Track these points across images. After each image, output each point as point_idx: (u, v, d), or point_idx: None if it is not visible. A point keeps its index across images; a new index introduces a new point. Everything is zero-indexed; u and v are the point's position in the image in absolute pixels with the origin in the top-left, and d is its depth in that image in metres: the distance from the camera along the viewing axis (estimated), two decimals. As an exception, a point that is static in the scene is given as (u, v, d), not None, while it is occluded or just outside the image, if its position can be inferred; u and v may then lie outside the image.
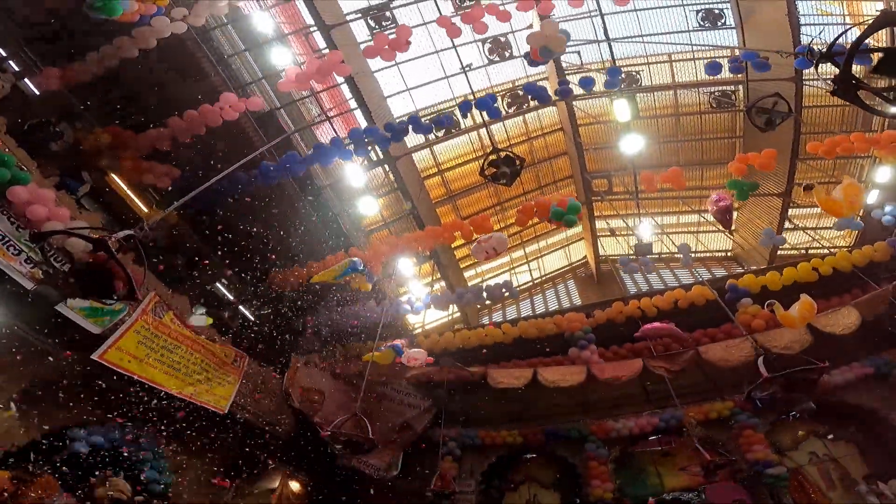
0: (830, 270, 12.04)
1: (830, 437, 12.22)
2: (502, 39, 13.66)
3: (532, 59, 10.18)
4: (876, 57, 2.62)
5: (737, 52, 12.76)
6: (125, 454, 8.68)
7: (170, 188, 9.41)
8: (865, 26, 2.69)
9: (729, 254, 19.37)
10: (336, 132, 12.97)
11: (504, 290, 13.13)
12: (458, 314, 19.32)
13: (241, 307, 12.94)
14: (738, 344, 11.46)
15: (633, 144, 12.59)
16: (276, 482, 12.45)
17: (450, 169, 16.44)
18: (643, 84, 14.36)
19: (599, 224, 19.08)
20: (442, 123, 12.09)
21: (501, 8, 10.16)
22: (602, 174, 16.83)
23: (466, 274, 18.85)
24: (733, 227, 17.57)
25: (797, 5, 11.96)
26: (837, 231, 13.28)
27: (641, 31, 13.91)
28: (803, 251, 15.56)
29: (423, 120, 11.00)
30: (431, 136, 14.61)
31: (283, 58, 10.29)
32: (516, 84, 15.01)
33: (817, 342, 11.01)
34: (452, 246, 17.28)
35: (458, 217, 17.20)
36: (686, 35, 13.70)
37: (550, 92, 12.23)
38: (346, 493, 13.47)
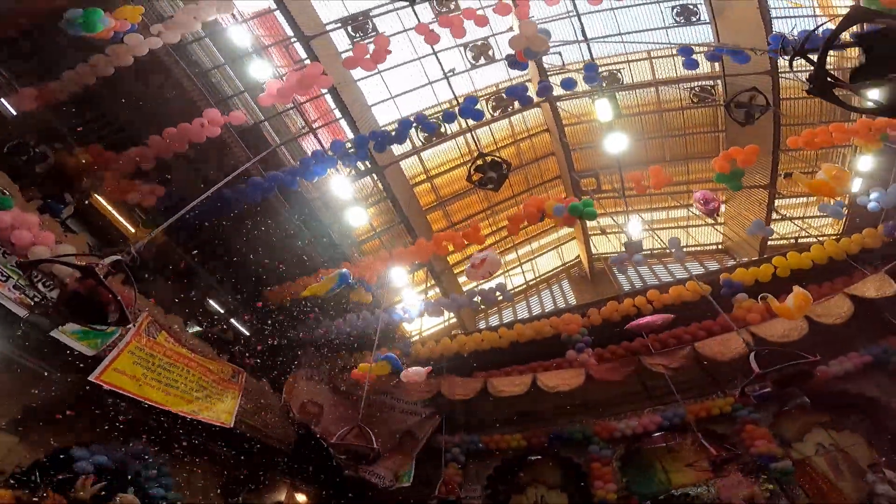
0: (823, 259, 12.09)
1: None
2: (484, 43, 13.72)
3: (516, 61, 10.28)
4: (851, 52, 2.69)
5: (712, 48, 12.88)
6: (131, 472, 8.65)
7: (156, 207, 9.37)
8: (838, 20, 2.72)
9: (720, 246, 19.40)
10: (321, 143, 12.98)
11: (498, 294, 13.16)
12: (455, 319, 19.32)
13: (235, 323, 12.92)
14: (733, 338, 11.48)
15: (616, 143, 12.66)
16: (282, 495, 12.51)
17: (438, 175, 16.44)
18: (624, 82, 14.45)
19: (590, 223, 19.05)
20: (429, 129, 12.11)
21: (479, 13, 10.24)
22: (590, 173, 16.90)
23: (461, 279, 18.86)
24: (721, 221, 17.82)
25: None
26: (827, 219, 13.37)
27: (619, 30, 14.00)
28: (793, 240, 15.65)
29: (390, 129, 11.03)
30: (418, 143, 14.72)
31: (264, 70, 10.27)
32: (500, 87, 15.07)
33: (814, 331, 11.08)
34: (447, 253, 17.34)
35: (448, 223, 17.24)
36: (663, 32, 13.82)
37: (533, 93, 12.30)
38: (352, 502, 13.46)
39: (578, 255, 21.36)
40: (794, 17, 12.45)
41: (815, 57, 2.80)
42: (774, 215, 15.71)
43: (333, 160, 10.30)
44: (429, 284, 16.94)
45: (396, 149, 13.72)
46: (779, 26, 12.13)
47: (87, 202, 9.24)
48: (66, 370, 7.51)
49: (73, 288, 4.24)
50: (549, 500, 13.58)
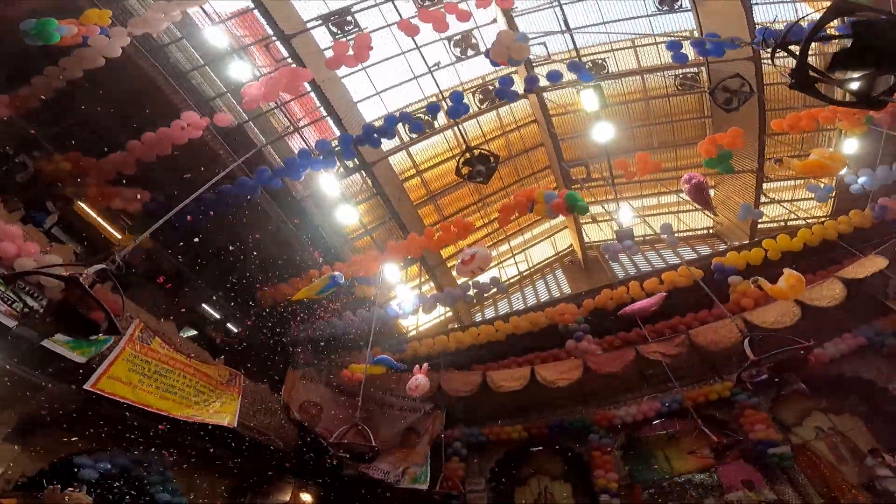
0: (814, 241, 12.18)
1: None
2: (469, 36, 13.64)
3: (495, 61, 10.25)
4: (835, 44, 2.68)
5: (696, 35, 12.88)
6: (136, 478, 8.79)
7: (142, 212, 9.29)
8: (821, 11, 2.71)
9: (711, 231, 19.54)
10: (306, 142, 12.92)
11: (492, 286, 13.18)
12: (451, 313, 19.36)
13: (230, 326, 12.89)
14: (727, 325, 11.55)
15: (604, 132, 12.70)
16: (287, 495, 12.59)
17: (428, 169, 16.41)
18: (610, 71, 14.44)
19: (582, 211, 19.15)
20: (416, 129, 12.07)
21: (462, 6, 10.18)
22: (579, 162, 16.95)
23: (455, 272, 18.89)
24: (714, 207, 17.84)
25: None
26: (816, 202, 13.44)
27: (603, 19, 13.96)
28: (782, 223, 15.74)
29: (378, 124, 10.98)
30: (406, 138, 14.67)
31: (245, 70, 10.18)
32: (486, 79, 15.03)
33: (806, 316, 11.12)
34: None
35: (440, 216, 17.23)
36: (646, 20, 13.81)
37: (520, 84, 12.26)
38: (357, 500, 13.51)
39: (571, 244, 21.41)
40: (775, 2, 12.46)
41: (797, 49, 2.80)
42: (763, 199, 15.80)
43: (319, 161, 10.21)
44: (423, 279, 16.97)
45: (384, 144, 13.66)
46: (759, 13, 12.16)
47: (71, 209, 9.15)
48: (65, 379, 7.49)
49: (59, 299, 4.21)
50: (553, 490, 13.64)
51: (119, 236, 9.82)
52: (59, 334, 6.58)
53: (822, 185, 12.71)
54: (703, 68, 14.22)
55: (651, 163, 12.07)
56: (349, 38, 11.48)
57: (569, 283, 20.48)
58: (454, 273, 18.31)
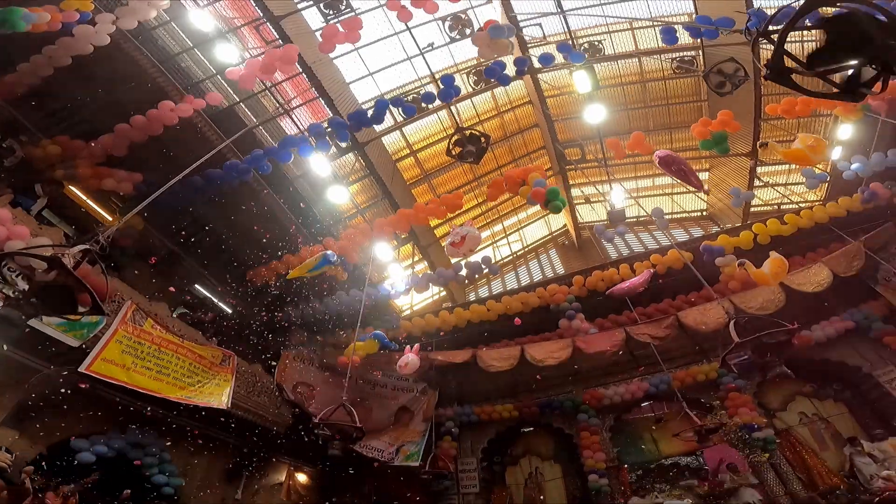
0: (805, 225, 12.20)
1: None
2: (462, 16, 13.46)
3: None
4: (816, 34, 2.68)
5: (693, 17, 12.70)
6: (132, 461, 8.80)
7: (132, 194, 9.23)
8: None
9: (704, 213, 19.60)
10: (297, 123, 12.82)
11: (484, 266, 13.22)
12: (445, 292, 19.43)
13: (223, 306, 12.91)
14: (713, 307, 11.65)
15: (596, 114, 12.65)
16: (282, 475, 12.67)
17: (422, 149, 16.36)
18: (606, 53, 14.31)
19: (575, 192, 19.22)
20: (408, 112, 11.97)
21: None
22: (574, 143, 16.91)
23: (447, 253, 18.92)
24: (705, 187, 17.86)
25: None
26: (809, 188, 13.46)
27: (600, 1, 13.76)
28: (775, 206, 15.78)
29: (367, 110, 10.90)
30: (399, 119, 14.57)
31: (235, 53, 10.04)
32: (480, 60, 14.88)
33: (793, 300, 11.22)
34: (431, 224, 17.33)
35: (434, 196, 17.18)
36: (644, 2, 13.61)
37: (513, 67, 12.15)
38: (351, 479, 13.67)
39: (565, 224, 21.46)
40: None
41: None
42: (757, 182, 15.81)
43: (311, 146, 10.17)
44: (416, 259, 16.99)
45: (377, 125, 13.61)
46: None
47: (61, 193, 9.08)
48: (60, 363, 7.53)
49: (42, 280, 4.21)
50: (544, 471, 13.88)
51: (110, 218, 9.78)
52: (53, 316, 6.62)
53: (816, 171, 12.72)
54: (699, 52, 14.10)
55: (644, 144, 12.05)
56: (341, 19, 11.30)
57: (562, 263, 20.59)
58: (447, 252, 18.38)
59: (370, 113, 10.63)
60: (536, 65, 13.66)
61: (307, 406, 12.18)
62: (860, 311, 12.11)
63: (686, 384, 12.59)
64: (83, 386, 7.69)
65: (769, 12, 9.19)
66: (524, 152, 18.39)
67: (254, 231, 11.58)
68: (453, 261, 16.68)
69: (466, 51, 14.67)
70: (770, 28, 2.96)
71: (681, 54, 14.18)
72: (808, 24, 3.02)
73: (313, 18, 12.22)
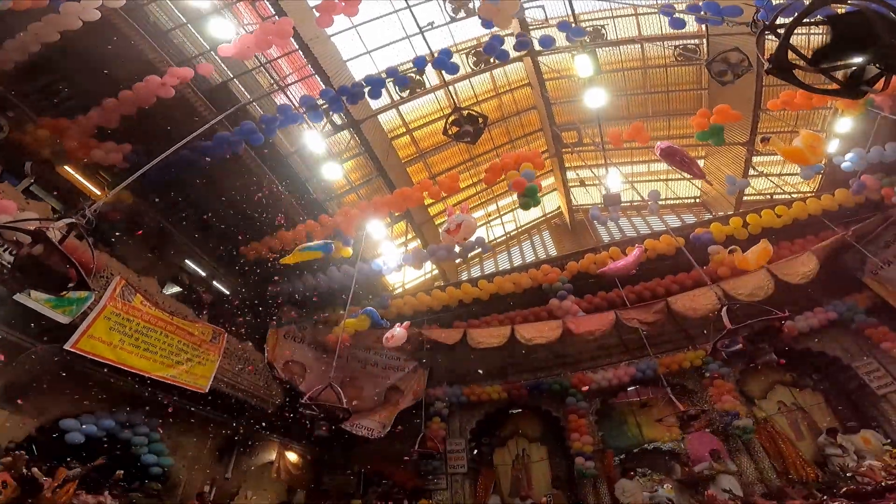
0: (798, 216, 12.24)
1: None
2: (464, -5, 13.21)
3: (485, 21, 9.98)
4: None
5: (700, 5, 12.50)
6: (122, 440, 8.76)
7: (122, 168, 9.08)
8: None
9: (698, 200, 19.72)
10: (291, 101, 12.61)
11: (477, 245, 13.17)
12: (437, 271, 19.43)
13: (214, 283, 12.84)
14: (704, 293, 11.72)
15: (596, 98, 12.58)
16: (273, 454, 12.69)
17: (419, 128, 16.23)
18: (609, 38, 14.13)
19: (571, 175, 19.21)
20: (401, 83, 11.77)
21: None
22: (571, 126, 16.78)
23: (441, 238, 18.86)
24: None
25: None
26: (803, 179, 13.46)
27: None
28: (768, 196, 15.81)
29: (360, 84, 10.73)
30: (396, 97, 14.40)
31: (228, 28, 9.78)
32: (481, 41, 14.65)
33: (783, 288, 11.28)
34: (426, 202, 17.26)
35: (429, 175, 17.10)
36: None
37: (511, 49, 11.98)
38: (341, 459, 13.76)
39: (559, 206, 21.47)
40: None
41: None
42: (752, 171, 15.83)
43: (303, 117, 10.03)
44: (409, 237, 16.97)
45: (374, 103, 13.44)
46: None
47: (52, 172, 8.92)
48: (48, 340, 7.48)
49: (26, 254, 4.14)
50: (531, 452, 14.06)
51: (99, 193, 9.65)
52: (41, 293, 6.55)
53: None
54: (704, 40, 13.95)
55: (644, 133, 12.00)
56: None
57: (555, 245, 20.69)
58: (442, 239, 18.34)
59: (355, 87, 10.48)
60: (537, 47, 13.45)
61: (298, 384, 12.21)
62: (844, 303, 12.33)
63: (672, 370, 12.79)
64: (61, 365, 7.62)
65: (775, 3, 9.05)
66: (521, 134, 18.28)
67: (246, 207, 11.47)
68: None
69: (467, 31, 14.50)
70: (777, 22, 2.89)
71: (684, 42, 14.03)
72: (817, 20, 2.96)
73: (311, -6, 11.95)
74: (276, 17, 10.95)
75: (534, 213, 21.92)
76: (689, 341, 13.32)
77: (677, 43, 14.01)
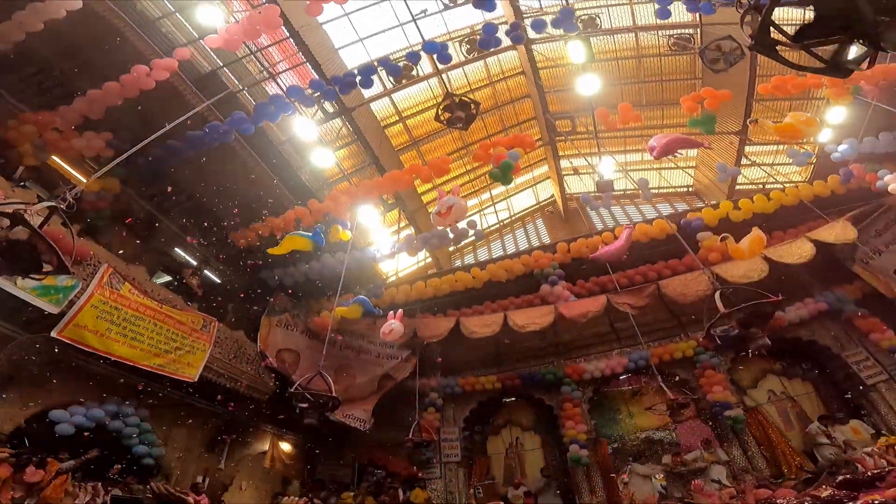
0: (788, 202, 12.24)
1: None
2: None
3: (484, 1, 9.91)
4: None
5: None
6: (112, 431, 8.64)
7: (109, 155, 8.95)
8: None
9: (690, 189, 19.77)
10: (282, 89, 12.49)
11: (470, 231, 13.14)
12: (430, 259, 19.41)
13: (205, 271, 12.75)
14: (695, 277, 11.72)
15: (589, 85, 12.51)
16: (266, 444, 12.65)
17: (412, 116, 16.15)
18: (602, 27, 14.03)
19: (564, 164, 19.21)
20: (393, 72, 11.70)
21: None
22: (565, 115, 16.75)
23: (433, 221, 18.78)
24: (693, 164, 17.94)
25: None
26: (795, 166, 13.49)
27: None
28: (760, 185, 15.85)
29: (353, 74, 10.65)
30: (389, 85, 14.30)
31: (218, 16, 9.59)
32: (475, 29, 14.57)
33: (773, 274, 11.30)
34: (419, 191, 17.21)
35: (422, 162, 17.01)
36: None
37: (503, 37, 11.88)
38: (335, 448, 13.74)
39: (553, 195, 21.47)
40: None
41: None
42: (745, 160, 15.89)
43: (291, 105, 9.94)
44: (402, 225, 16.92)
45: (366, 91, 13.32)
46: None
47: (42, 169, 8.78)
48: (35, 330, 7.41)
49: (4, 237, 4.08)
50: (524, 441, 14.10)
51: (85, 180, 9.53)
52: (28, 281, 6.48)
53: (801, 151, 12.78)
54: (698, 30, 13.90)
55: (633, 113, 11.96)
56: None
57: (548, 233, 20.72)
58: (433, 222, 18.27)
59: (348, 77, 10.40)
60: (531, 35, 13.36)
61: (290, 374, 12.13)
62: (834, 293, 12.38)
63: (664, 360, 12.80)
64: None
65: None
66: (515, 122, 18.22)
67: (237, 195, 11.37)
68: (440, 228, 16.63)
69: (460, 19, 14.38)
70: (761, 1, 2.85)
71: (678, 31, 13.96)
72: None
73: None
74: (266, 3, 10.82)
75: (527, 201, 22.04)
76: (682, 329, 13.39)
77: (671, 32, 13.97)
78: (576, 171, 19.27)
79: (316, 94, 10.54)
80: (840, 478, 8.89)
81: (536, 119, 18.03)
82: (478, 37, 13.48)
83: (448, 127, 12.35)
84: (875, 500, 7.00)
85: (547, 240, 19.75)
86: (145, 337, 8.56)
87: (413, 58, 11.41)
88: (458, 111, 11.51)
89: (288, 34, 11.51)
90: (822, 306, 12.30)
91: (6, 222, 4.14)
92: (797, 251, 11.54)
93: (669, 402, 10.07)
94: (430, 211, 17.65)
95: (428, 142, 17.05)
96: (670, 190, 20.06)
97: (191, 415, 10.43)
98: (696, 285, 11.68)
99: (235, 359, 10.94)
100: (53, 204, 4.52)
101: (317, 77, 12.22)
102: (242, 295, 12.86)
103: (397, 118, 15.92)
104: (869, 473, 7.14)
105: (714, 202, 14.34)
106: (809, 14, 2.46)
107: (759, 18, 2.63)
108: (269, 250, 10.01)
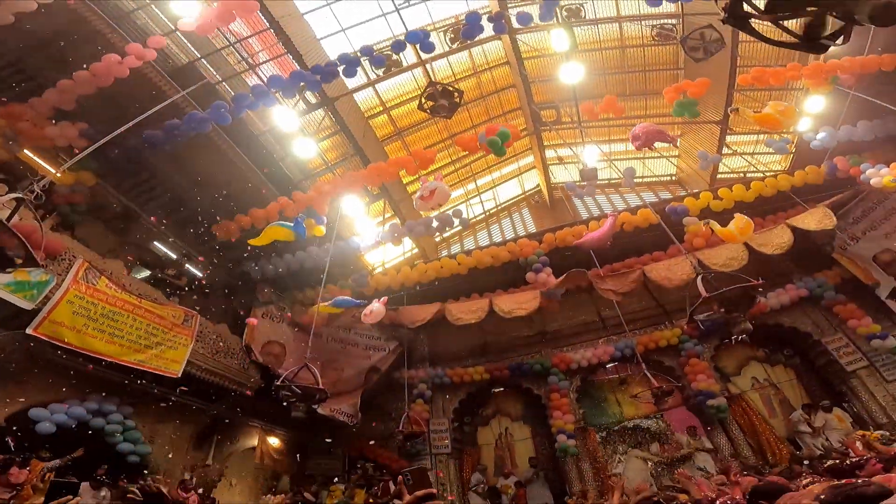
0: (767, 192, 12.41)
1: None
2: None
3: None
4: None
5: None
6: (95, 428, 8.52)
7: (83, 146, 8.75)
8: None
9: (673, 178, 19.93)
10: (262, 80, 12.30)
11: (455, 219, 13.07)
12: (417, 250, 19.35)
13: (186, 265, 12.57)
14: (679, 262, 11.76)
15: (573, 73, 12.48)
16: (254, 440, 12.55)
17: (396, 106, 16.03)
18: (587, 17, 13.97)
19: (550, 153, 19.25)
20: (379, 61, 11.55)
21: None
22: (550, 105, 16.75)
23: (415, 206, 18.69)
24: (676, 153, 18.03)
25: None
26: (775, 156, 13.63)
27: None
28: (741, 174, 15.97)
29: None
30: (372, 76, 14.15)
31: (194, 7, 9.35)
32: (460, 19, 14.43)
33: (754, 261, 11.42)
34: (404, 182, 17.11)
35: (407, 153, 16.91)
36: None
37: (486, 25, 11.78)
38: (324, 442, 13.68)
39: (538, 185, 21.54)
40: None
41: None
42: (726, 150, 16.03)
43: (272, 95, 9.81)
44: (387, 215, 16.84)
45: (349, 81, 13.22)
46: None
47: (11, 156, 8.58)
48: (11, 327, 7.26)
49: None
50: (513, 431, 14.14)
51: (59, 175, 9.32)
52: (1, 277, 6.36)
53: (778, 139, 12.96)
54: (680, 20, 13.90)
55: (617, 105, 11.96)
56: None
57: (534, 222, 20.78)
58: (415, 206, 18.17)
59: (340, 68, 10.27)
60: (515, 25, 13.26)
61: (277, 367, 12.00)
62: (814, 279, 12.57)
63: (649, 348, 12.94)
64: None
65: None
66: (500, 112, 18.15)
67: (217, 187, 11.20)
68: (424, 215, 16.57)
69: (444, 9, 14.22)
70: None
71: (661, 22, 13.96)
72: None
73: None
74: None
75: (513, 191, 22.06)
76: (667, 317, 13.50)
77: (654, 23, 13.96)
78: (561, 161, 19.28)
79: (299, 84, 10.36)
80: (828, 463, 8.97)
81: (521, 109, 17.99)
82: (462, 26, 13.42)
83: (431, 115, 12.22)
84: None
85: (533, 229, 19.77)
86: (124, 332, 8.42)
87: (397, 46, 11.25)
88: (441, 99, 11.39)
89: (268, 24, 11.33)
90: (803, 292, 12.47)
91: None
92: (776, 240, 11.64)
93: (654, 390, 10.09)
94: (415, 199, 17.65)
95: (412, 133, 16.95)
96: (653, 179, 20.18)
97: (176, 411, 10.27)
98: (680, 270, 11.69)
99: (219, 353, 10.79)
100: (20, 195, 4.42)
101: (298, 69, 12.05)
102: (225, 289, 12.69)
103: (381, 109, 15.79)
104: (848, 462, 7.20)
105: (696, 191, 14.43)
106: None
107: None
108: (251, 241, 9.78)
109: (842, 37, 2.47)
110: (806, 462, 9.39)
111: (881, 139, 11.38)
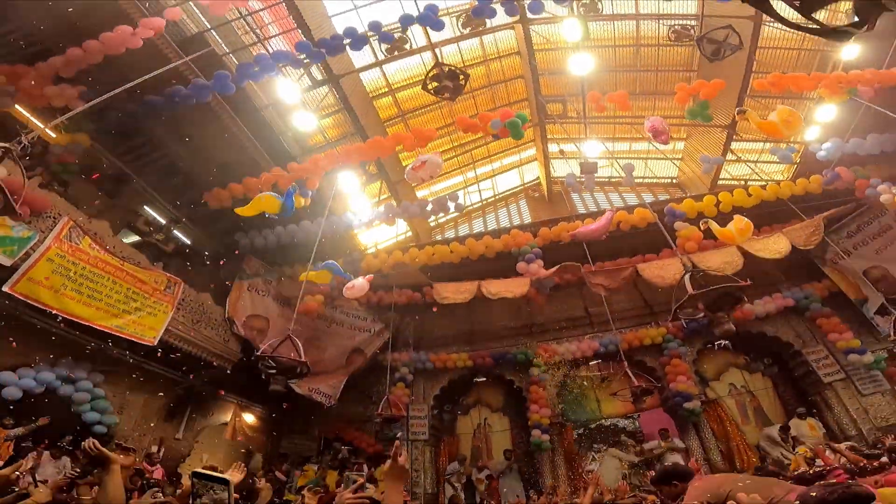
0: (771, 198, 12.24)
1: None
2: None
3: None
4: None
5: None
6: (62, 396, 8.32)
7: (83, 109, 8.54)
8: None
9: (674, 181, 19.81)
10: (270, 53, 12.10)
11: (450, 203, 12.96)
12: (410, 234, 19.20)
13: (175, 231, 12.35)
14: (673, 262, 11.71)
15: (584, 65, 12.29)
16: (228, 414, 12.40)
17: (402, 89, 15.84)
18: (604, 12, 13.75)
19: (552, 147, 19.09)
20: (387, 38, 11.34)
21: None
22: (557, 98, 16.66)
23: (420, 194, 18.52)
24: (679, 156, 17.89)
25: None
26: (779, 165, 13.48)
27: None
28: (744, 182, 15.81)
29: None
30: (381, 56, 13.93)
31: None
32: (473, 3, 14.18)
33: (748, 267, 11.28)
34: (403, 164, 16.91)
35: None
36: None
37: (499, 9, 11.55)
38: (300, 421, 13.55)
39: (538, 177, 21.46)
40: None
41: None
42: (730, 156, 15.89)
43: (274, 65, 9.59)
44: (384, 196, 16.68)
45: (357, 60, 13.02)
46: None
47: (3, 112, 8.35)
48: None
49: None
50: (492, 422, 14.09)
51: (55, 136, 9.08)
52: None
53: (785, 147, 12.93)
54: (699, 21, 13.67)
55: (626, 102, 11.86)
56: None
57: (531, 215, 20.60)
58: (419, 195, 18.04)
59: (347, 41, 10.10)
60: (529, 15, 13.03)
61: (258, 342, 11.80)
62: (802, 290, 12.64)
63: (633, 346, 12.91)
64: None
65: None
66: (506, 102, 17.94)
67: (214, 156, 11.00)
68: (419, 194, 16.32)
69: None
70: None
71: (679, 22, 13.72)
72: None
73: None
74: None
75: (512, 182, 21.93)
76: (653, 317, 13.48)
77: (672, 22, 13.73)
78: (563, 154, 19.10)
79: (303, 58, 10.12)
80: (796, 472, 8.97)
81: (528, 100, 17.80)
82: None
83: (435, 96, 12.04)
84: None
85: (528, 220, 19.66)
86: (103, 295, 8.25)
87: (405, 21, 10.99)
88: (446, 81, 11.20)
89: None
90: (789, 302, 12.53)
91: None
92: (774, 246, 11.63)
93: (633, 389, 10.04)
94: (413, 186, 17.48)
95: (416, 116, 16.76)
96: (654, 180, 20.07)
97: (148, 381, 10.10)
98: (674, 269, 11.59)
99: (199, 323, 10.62)
100: (7, 146, 4.26)
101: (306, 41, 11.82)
102: (212, 257, 12.49)
103: (387, 90, 15.60)
104: (811, 472, 7.20)
105: (695, 194, 14.30)
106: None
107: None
108: (238, 210, 9.61)
109: (866, 25, 2.33)
110: (772, 469, 9.37)
111: (888, 153, 11.26)
